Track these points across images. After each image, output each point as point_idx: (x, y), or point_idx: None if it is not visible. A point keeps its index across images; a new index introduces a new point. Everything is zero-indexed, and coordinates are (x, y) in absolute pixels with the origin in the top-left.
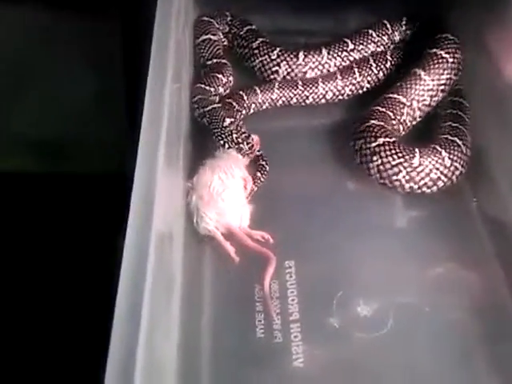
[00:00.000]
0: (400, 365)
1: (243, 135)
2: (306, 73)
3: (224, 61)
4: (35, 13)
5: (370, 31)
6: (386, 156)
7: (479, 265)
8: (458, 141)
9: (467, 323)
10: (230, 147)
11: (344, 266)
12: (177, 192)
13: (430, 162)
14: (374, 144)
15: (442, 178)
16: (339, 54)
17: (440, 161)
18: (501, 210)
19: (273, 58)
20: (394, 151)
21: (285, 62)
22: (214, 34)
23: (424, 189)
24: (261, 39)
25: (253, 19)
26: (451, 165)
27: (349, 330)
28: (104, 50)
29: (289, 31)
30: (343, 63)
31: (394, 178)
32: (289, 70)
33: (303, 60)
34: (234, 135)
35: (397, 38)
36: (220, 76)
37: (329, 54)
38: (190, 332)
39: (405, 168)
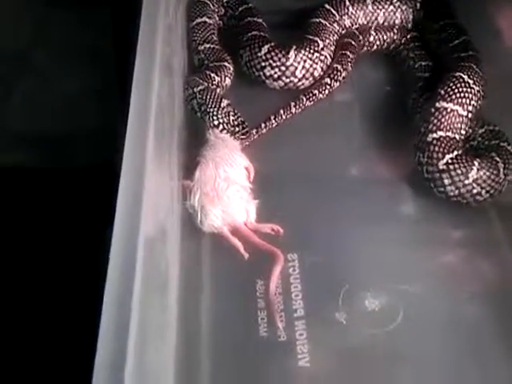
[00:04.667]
0: (411, 361)
1: (239, 119)
2: (264, 67)
3: (217, 46)
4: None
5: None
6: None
7: (490, 252)
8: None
9: (478, 313)
10: (224, 129)
11: (350, 257)
12: (169, 188)
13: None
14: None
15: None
16: (309, 55)
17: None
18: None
19: (244, 39)
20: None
21: (248, 48)
22: (209, 17)
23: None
24: (249, 18)
25: None
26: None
27: (357, 326)
28: (95, 42)
29: (290, 11)
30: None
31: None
32: (251, 57)
33: (264, 54)
34: (232, 117)
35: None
36: (213, 75)
37: (296, 56)
38: (188, 332)
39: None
